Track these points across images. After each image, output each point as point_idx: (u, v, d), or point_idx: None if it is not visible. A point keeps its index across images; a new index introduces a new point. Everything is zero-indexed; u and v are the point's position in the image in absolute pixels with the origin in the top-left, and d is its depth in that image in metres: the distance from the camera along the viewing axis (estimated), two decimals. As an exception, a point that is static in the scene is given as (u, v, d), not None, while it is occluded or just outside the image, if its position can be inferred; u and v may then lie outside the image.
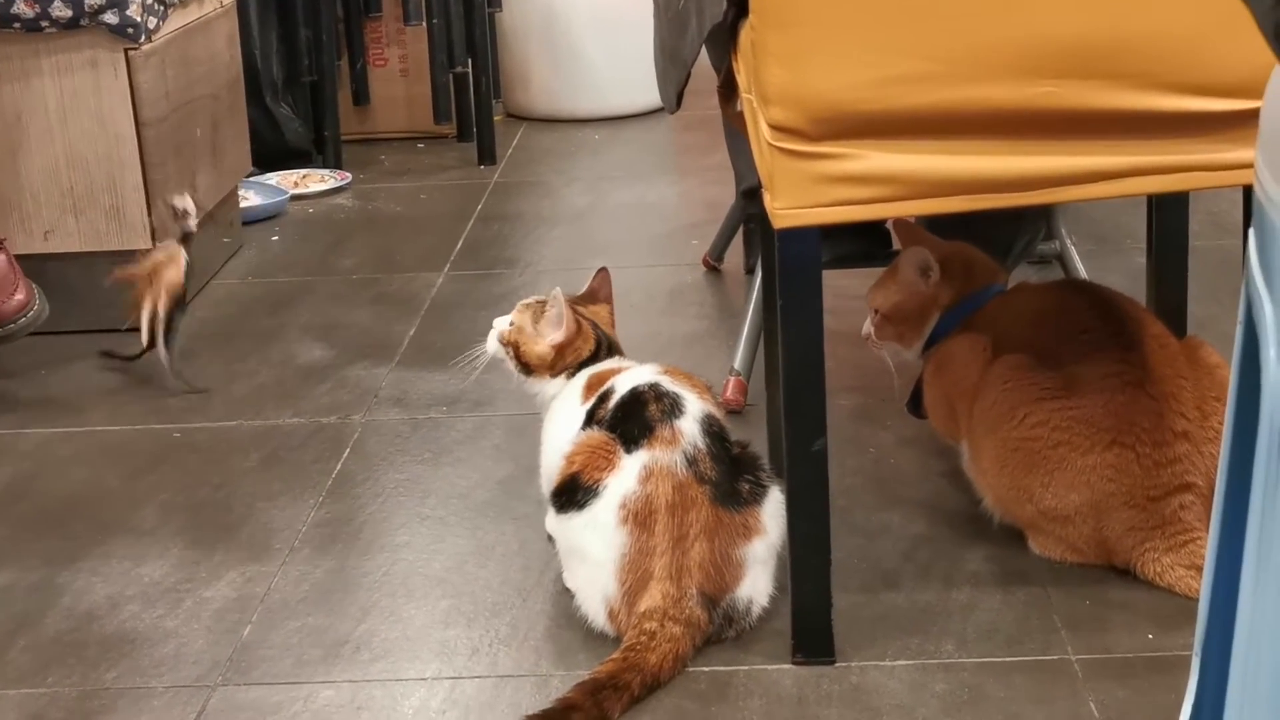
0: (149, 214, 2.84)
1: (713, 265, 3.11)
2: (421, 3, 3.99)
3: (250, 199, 3.61)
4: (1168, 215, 2.28)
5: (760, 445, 2.23)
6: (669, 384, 1.89)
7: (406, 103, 4.25)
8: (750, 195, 2.68)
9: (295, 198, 3.74)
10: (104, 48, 2.76)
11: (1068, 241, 2.85)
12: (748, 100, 1.72)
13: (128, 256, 2.80)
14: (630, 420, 1.85)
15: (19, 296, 2.53)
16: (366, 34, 4.28)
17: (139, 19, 2.75)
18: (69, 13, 2.72)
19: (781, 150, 1.62)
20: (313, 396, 2.58)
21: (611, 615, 1.81)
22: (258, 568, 2.04)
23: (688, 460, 1.81)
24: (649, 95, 4.48)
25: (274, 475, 2.30)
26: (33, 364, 2.73)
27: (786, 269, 1.67)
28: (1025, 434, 1.89)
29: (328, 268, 3.25)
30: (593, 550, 1.82)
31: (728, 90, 1.94)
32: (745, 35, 1.68)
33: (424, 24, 4.02)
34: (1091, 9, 1.59)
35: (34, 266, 2.60)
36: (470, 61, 4.14)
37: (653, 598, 1.78)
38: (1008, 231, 2.48)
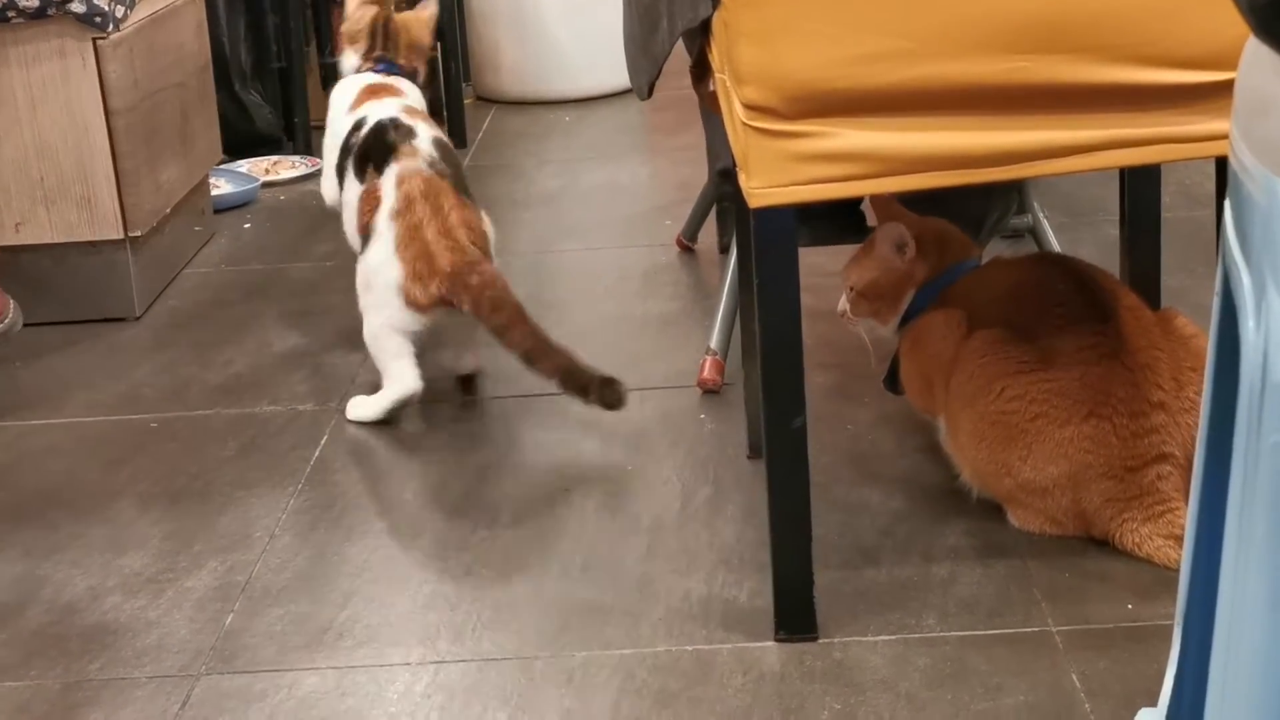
0: (120, 203, 2.83)
1: (687, 245, 3.11)
2: (390, -13, 3.97)
3: (221, 187, 3.60)
4: (1139, 187, 2.29)
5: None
6: (405, 118, 2.48)
7: (376, 88, 4.23)
8: (725, 175, 2.68)
9: (266, 185, 3.73)
10: (72, 37, 2.74)
11: (1040, 215, 2.86)
12: (721, 80, 1.72)
13: (100, 247, 2.80)
14: (377, 150, 2.43)
15: None
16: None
17: (107, 8, 2.74)
18: (35, 2, 2.70)
19: (756, 129, 1.62)
20: (289, 384, 2.58)
21: (411, 301, 2.34)
22: (239, 556, 2.03)
23: (428, 164, 2.41)
24: (619, 76, 4.45)
25: (252, 463, 2.30)
26: (6, 356, 2.72)
27: (763, 248, 1.67)
28: (1002, 407, 1.90)
29: (301, 254, 3.24)
30: (378, 256, 2.37)
31: (700, 70, 1.94)
32: (718, 16, 1.68)
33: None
34: (1061, -17, 1.60)
35: (6, 259, 2.59)
36: (439, 45, 4.12)
37: (442, 262, 2.32)
38: (980, 206, 2.49)
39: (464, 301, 2.31)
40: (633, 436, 2.31)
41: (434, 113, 4.16)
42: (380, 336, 2.41)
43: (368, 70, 2.66)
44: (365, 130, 2.49)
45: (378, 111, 2.52)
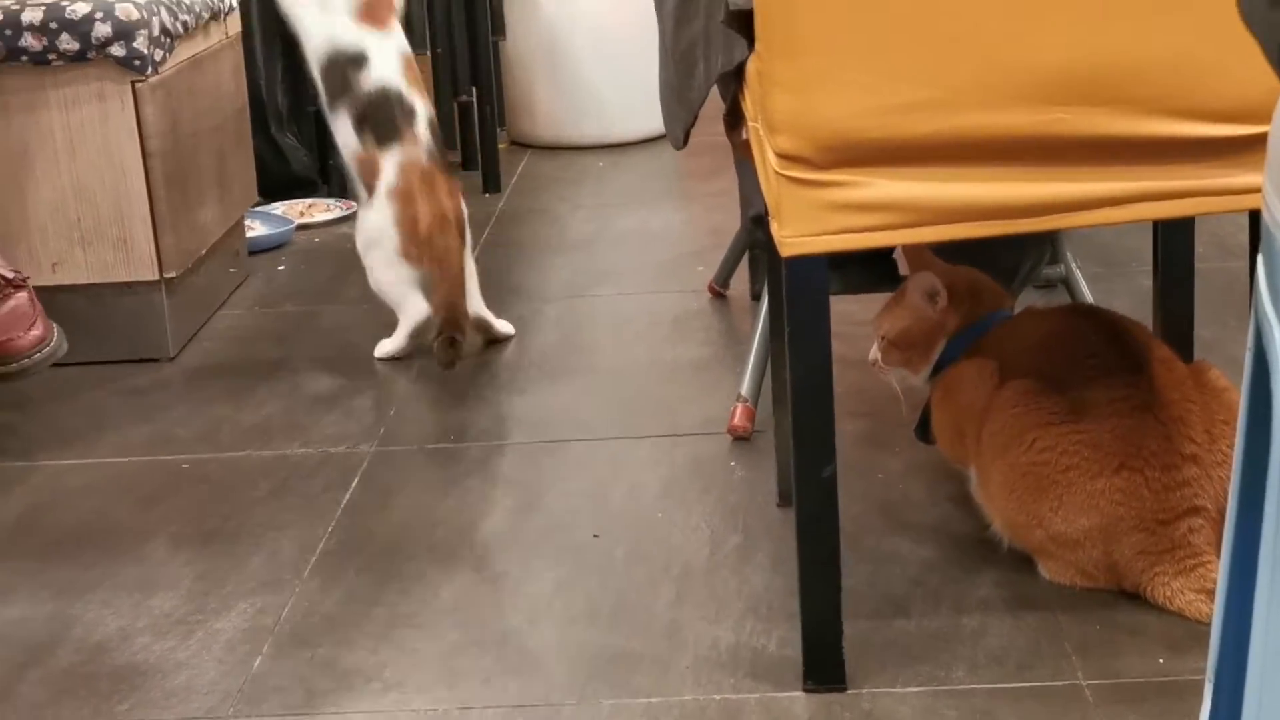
0: (156, 244, 2.85)
1: (718, 291, 3.12)
2: (426, 32, 4.00)
3: (256, 229, 3.62)
4: (1173, 238, 2.29)
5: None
6: (406, 91, 2.84)
7: (411, 131, 4.25)
8: (758, 222, 2.69)
9: (301, 227, 3.75)
10: (111, 80, 2.77)
11: (1073, 265, 2.86)
12: (754, 129, 1.73)
13: (136, 288, 2.82)
14: (381, 122, 2.82)
15: (35, 332, 2.53)
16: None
17: (146, 51, 2.76)
18: (76, 45, 2.73)
19: (789, 178, 1.63)
20: (321, 426, 2.59)
21: (408, 257, 2.81)
22: (268, 598, 2.04)
23: (426, 154, 2.83)
24: (652, 122, 4.49)
25: (284, 505, 2.31)
26: (42, 396, 2.74)
27: (794, 296, 1.67)
28: (1034, 458, 1.89)
29: (334, 297, 3.26)
30: (377, 220, 2.83)
31: (734, 118, 1.95)
32: (751, 64, 1.68)
33: (428, 53, 4.02)
34: (1096, 35, 1.60)
35: (42, 299, 2.61)
36: (475, 90, 4.15)
37: (428, 223, 2.80)
38: (1013, 256, 2.48)
39: (438, 275, 2.81)
40: (663, 482, 2.31)
41: (468, 158, 4.22)
42: (389, 281, 2.85)
43: None
44: (368, 87, 2.83)
45: (379, 57, 2.85)
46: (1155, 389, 1.89)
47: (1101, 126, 1.59)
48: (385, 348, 2.88)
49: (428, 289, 2.83)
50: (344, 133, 2.88)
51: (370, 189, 2.85)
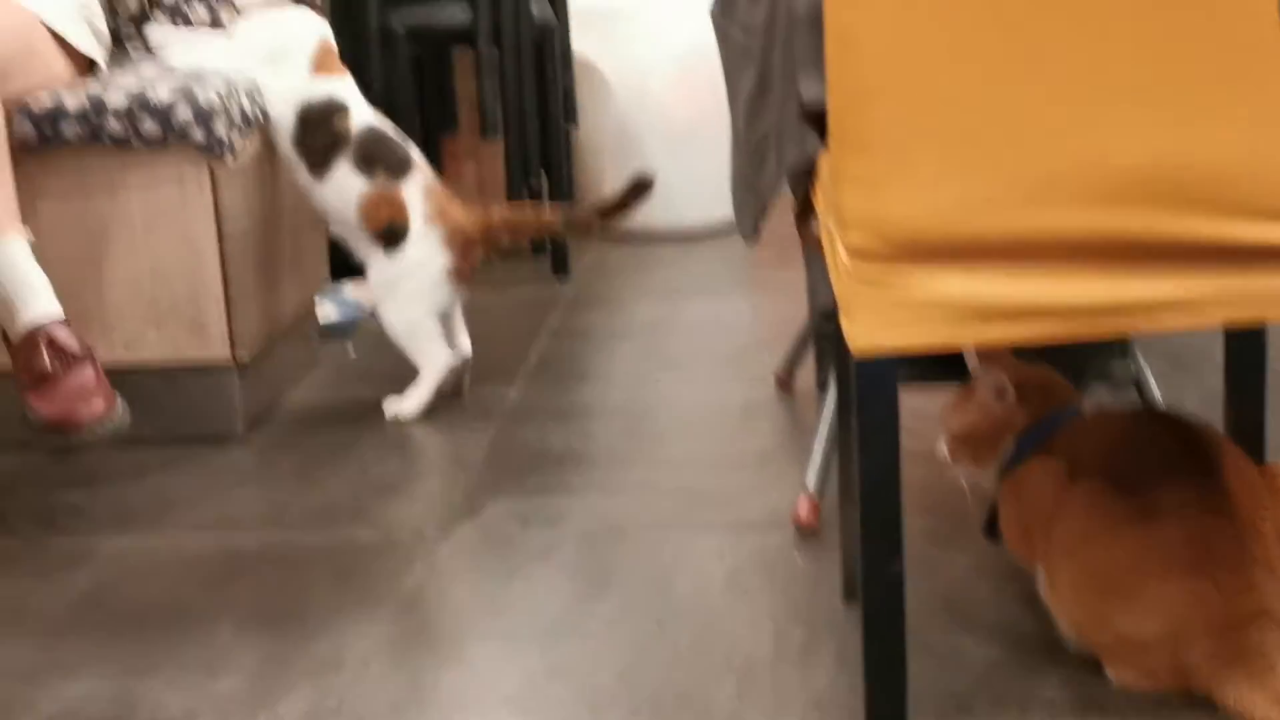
0: (229, 326, 2.88)
1: (784, 382, 3.12)
2: (499, 119, 4.03)
3: (327, 311, 3.65)
4: (1244, 339, 2.27)
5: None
6: (391, 129, 3.02)
7: (482, 216, 4.29)
8: (826, 315, 2.69)
9: (371, 311, 3.77)
10: (190, 163, 2.82)
11: (1142, 363, 2.84)
12: (825, 224, 1.74)
13: (208, 369, 2.85)
14: (389, 160, 2.96)
15: (98, 405, 2.56)
16: (444, 148, 4.34)
17: (225, 136, 2.81)
18: (158, 130, 2.78)
19: (860, 275, 1.63)
20: (386, 511, 2.60)
21: (459, 274, 2.99)
22: (332, 681, 2.04)
23: (432, 175, 3.02)
24: (720, 211, 4.52)
25: (348, 589, 2.32)
26: (111, 474, 2.77)
27: (864, 393, 1.67)
28: (1102, 560, 1.88)
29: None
30: (422, 253, 2.95)
31: (804, 212, 1.96)
32: (823, 161, 1.70)
33: (501, 139, 4.06)
34: (1170, 135, 1.60)
35: (115, 377, 2.64)
36: (546, 176, 4.19)
37: (474, 234, 3.01)
38: (1082, 353, 2.47)
39: (502, 237, 3.03)
40: (727, 574, 2.30)
41: (538, 243, 4.25)
42: (420, 323, 2.98)
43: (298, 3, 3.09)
44: (357, 129, 2.97)
45: (355, 101, 3.00)
46: (1226, 492, 1.87)
47: (1175, 229, 1.59)
48: (408, 406, 2.98)
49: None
50: (342, 185, 2.97)
51: (394, 226, 2.95)
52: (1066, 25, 1.57)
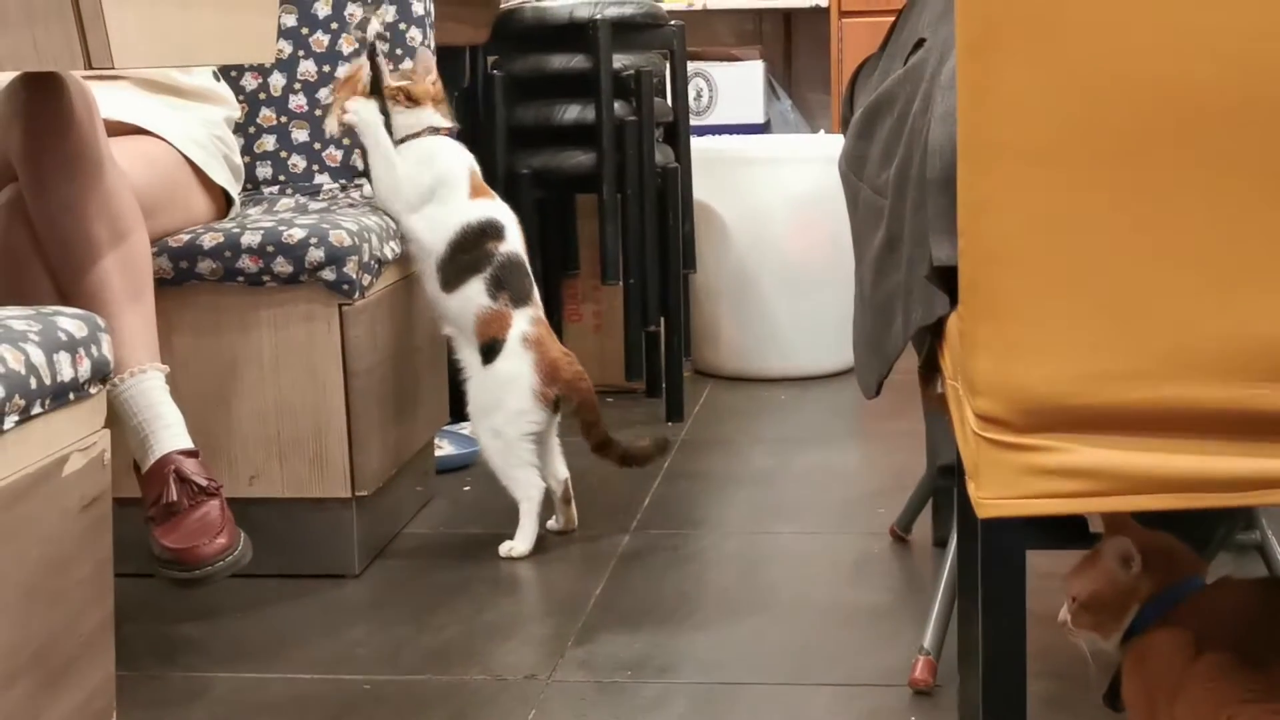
0: (350, 462, 2.92)
1: (900, 536, 3.10)
2: (620, 263, 4.08)
3: (444, 448, 3.69)
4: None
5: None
6: (524, 258, 3.16)
7: (599, 357, 4.33)
8: (945, 471, 2.68)
9: (486, 447, 3.80)
10: (320, 302, 2.87)
11: (1268, 532, 2.80)
12: (952, 386, 1.74)
13: (327, 504, 2.88)
14: (516, 286, 3.10)
15: (221, 540, 2.59)
16: (564, 290, 4.40)
17: (355, 276, 2.86)
18: (290, 269, 2.84)
19: (988, 440, 1.63)
20: (500, 652, 2.60)
21: (541, 397, 3.08)
22: (442, 828, 2.04)
23: (541, 311, 3.16)
24: (836, 357, 4.54)
25: (460, 732, 2.31)
26: (229, 607, 2.80)
27: (990, 558, 1.66)
28: (1229, 737, 1.83)
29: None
30: (515, 368, 3.07)
31: (928, 370, 1.96)
32: (952, 324, 1.70)
33: (620, 283, 4.10)
34: (1304, 310, 1.59)
35: (236, 510, 2.67)
36: (663, 319, 4.22)
37: (565, 374, 3.10)
38: (1208, 522, 2.44)
39: (574, 398, 3.10)
40: (841, 733, 2.28)
41: (652, 385, 4.27)
42: (513, 447, 3.06)
43: (445, 135, 3.17)
44: (500, 254, 3.10)
45: (503, 225, 3.13)
46: (1359, 671, 1.83)
47: (1312, 406, 1.57)
48: (520, 544, 3.07)
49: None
50: (469, 297, 3.08)
51: (495, 342, 3.07)
52: (1203, 197, 1.57)
